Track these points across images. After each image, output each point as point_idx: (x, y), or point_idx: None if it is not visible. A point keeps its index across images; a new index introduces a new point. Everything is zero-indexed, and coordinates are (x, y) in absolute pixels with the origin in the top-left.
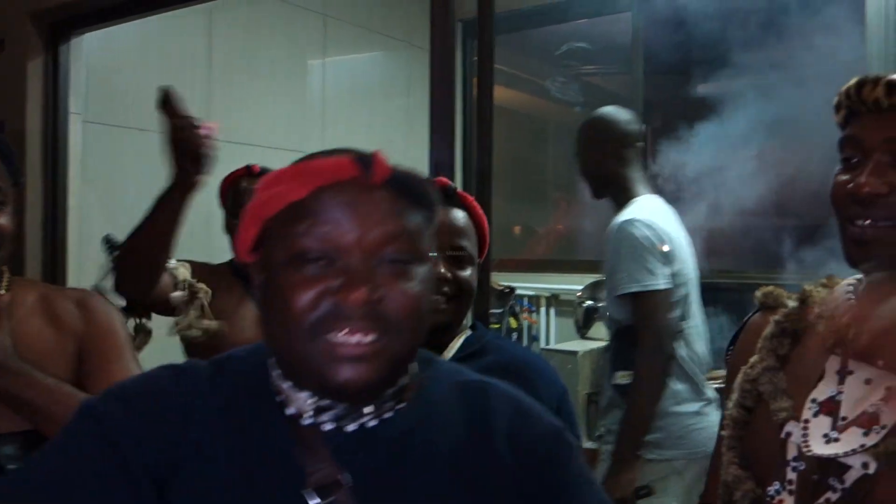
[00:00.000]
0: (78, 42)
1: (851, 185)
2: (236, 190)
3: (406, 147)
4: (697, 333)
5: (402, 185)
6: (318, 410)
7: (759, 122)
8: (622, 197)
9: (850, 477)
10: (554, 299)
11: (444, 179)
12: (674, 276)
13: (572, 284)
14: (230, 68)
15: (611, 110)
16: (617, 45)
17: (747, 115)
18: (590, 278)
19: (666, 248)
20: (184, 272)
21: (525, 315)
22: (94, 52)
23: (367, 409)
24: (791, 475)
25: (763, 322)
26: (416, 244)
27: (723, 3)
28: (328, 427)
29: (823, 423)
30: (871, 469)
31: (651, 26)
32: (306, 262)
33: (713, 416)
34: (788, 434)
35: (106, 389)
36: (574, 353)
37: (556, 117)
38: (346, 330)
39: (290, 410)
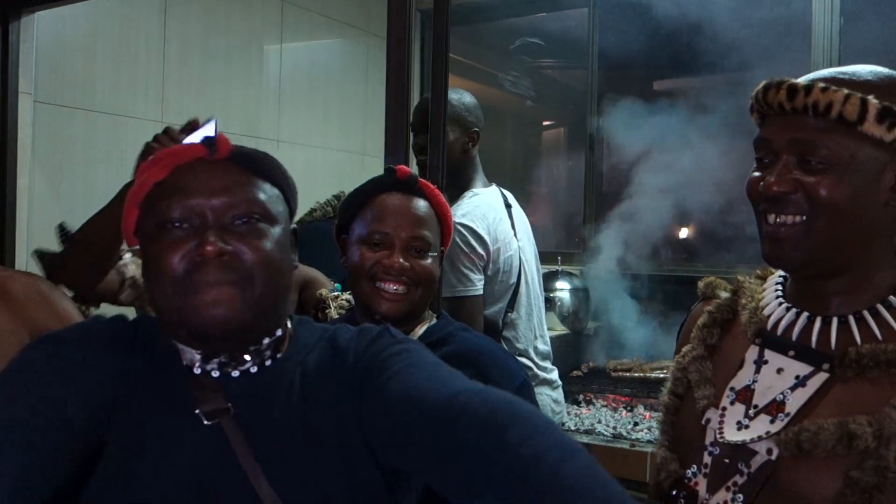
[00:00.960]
0: (28, 21)
1: (762, 183)
2: None
3: (363, 135)
4: (523, 321)
5: (245, 160)
6: (205, 359)
7: (711, 118)
8: (459, 186)
9: (756, 462)
10: None
11: (405, 168)
12: (496, 273)
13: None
14: (185, 52)
15: (459, 94)
16: (572, 39)
17: (700, 110)
18: (543, 269)
19: (481, 252)
20: (134, 269)
21: None
22: (44, 31)
23: (246, 357)
24: (707, 459)
25: (702, 312)
26: (265, 208)
27: (678, 1)
28: (216, 374)
29: (738, 410)
30: (774, 455)
31: (607, 21)
32: (170, 229)
33: (542, 396)
34: (708, 420)
35: (65, 326)
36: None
37: (513, 108)
38: (207, 279)
39: (185, 362)
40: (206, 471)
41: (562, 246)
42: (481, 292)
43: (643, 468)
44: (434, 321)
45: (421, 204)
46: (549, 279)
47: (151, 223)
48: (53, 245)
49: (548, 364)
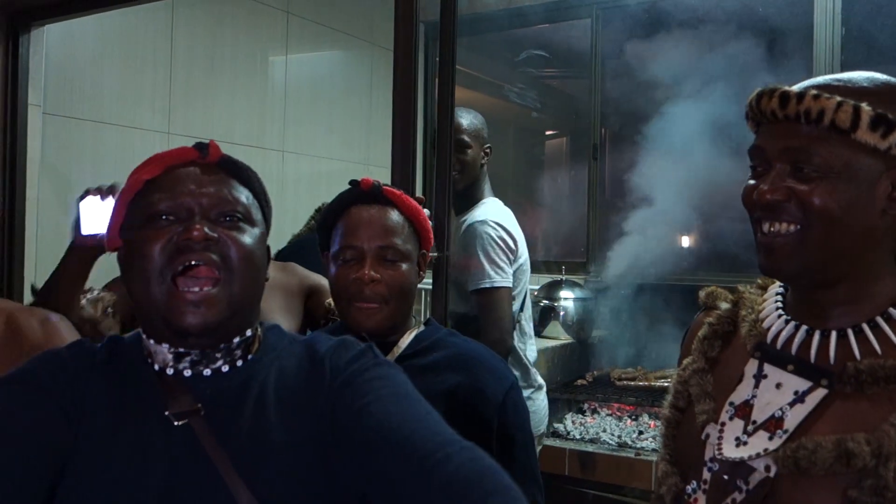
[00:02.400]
0: (38, 34)
1: (756, 191)
2: None
3: (367, 145)
4: (529, 324)
5: (231, 167)
6: (177, 358)
7: (712, 128)
8: (472, 197)
9: (754, 479)
10: None
11: (368, 179)
12: (517, 270)
13: (530, 284)
14: (191, 63)
15: (472, 114)
16: (576, 50)
17: (701, 121)
18: (546, 278)
19: (513, 247)
20: (109, 298)
21: None
22: (54, 44)
23: (217, 355)
24: (706, 475)
25: (702, 323)
26: (248, 210)
27: (679, 11)
28: (188, 373)
29: (737, 426)
30: (772, 472)
31: (609, 32)
32: (158, 221)
33: (541, 402)
34: (708, 436)
35: (30, 359)
36: None
37: (517, 119)
38: (192, 264)
39: (157, 366)
40: (178, 473)
41: (566, 255)
42: (511, 284)
43: (648, 477)
44: (422, 328)
45: (389, 213)
46: (553, 288)
47: (140, 216)
48: (62, 252)
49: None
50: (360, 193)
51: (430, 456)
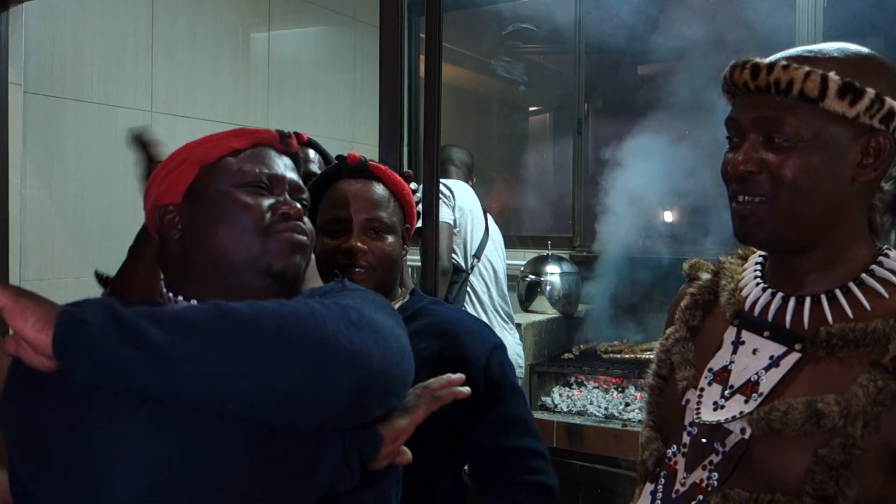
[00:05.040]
0: (17, 12)
1: (731, 164)
2: None
3: (352, 122)
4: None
5: (296, 160)
6: None
7: (697, 102)
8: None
9: (730, 441)
10: None
11: (355, 154)
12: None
13: (516, 260)
14: (173, 40)
15: (460, 151)
16: (560, 26)
17: (686, 94)
18: (532, 254)
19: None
20: None
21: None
22: (33, 22)
23: None
24: (686, 439)
25: (686, 293)
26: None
27: None
28: None
29: (715, 391)
30: (747, 434)
31: (593, 7)
32: (256, 187)
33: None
34: (688, 401)
35: None
36: (517, 325)
37: (501, 95)
38: (292, 228)
39: None
40: None
41: (551, 230)
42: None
43: (635, 448)
44: (407, 298)
45: (375, 187)
46: (539, 263)
47: (230, 180)
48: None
49: None
50: (347, 168)
51: None
